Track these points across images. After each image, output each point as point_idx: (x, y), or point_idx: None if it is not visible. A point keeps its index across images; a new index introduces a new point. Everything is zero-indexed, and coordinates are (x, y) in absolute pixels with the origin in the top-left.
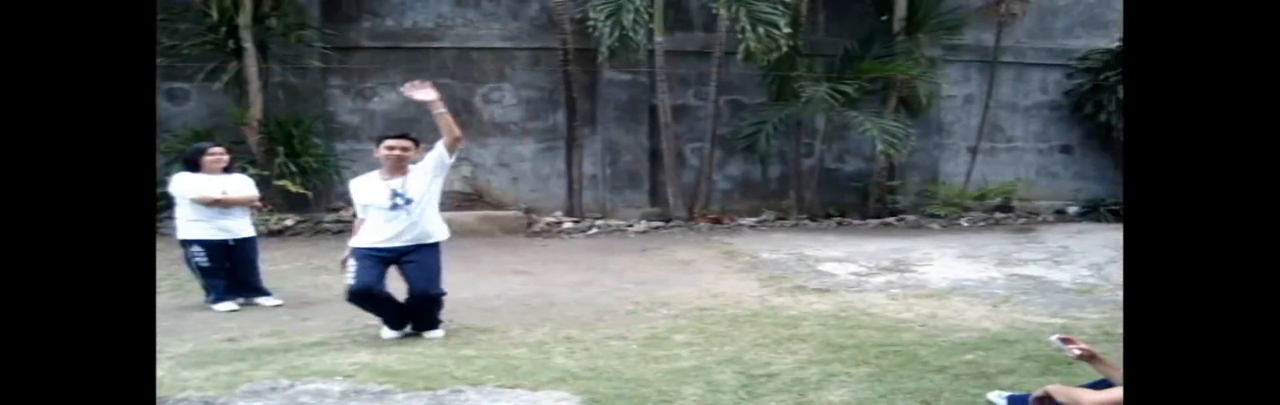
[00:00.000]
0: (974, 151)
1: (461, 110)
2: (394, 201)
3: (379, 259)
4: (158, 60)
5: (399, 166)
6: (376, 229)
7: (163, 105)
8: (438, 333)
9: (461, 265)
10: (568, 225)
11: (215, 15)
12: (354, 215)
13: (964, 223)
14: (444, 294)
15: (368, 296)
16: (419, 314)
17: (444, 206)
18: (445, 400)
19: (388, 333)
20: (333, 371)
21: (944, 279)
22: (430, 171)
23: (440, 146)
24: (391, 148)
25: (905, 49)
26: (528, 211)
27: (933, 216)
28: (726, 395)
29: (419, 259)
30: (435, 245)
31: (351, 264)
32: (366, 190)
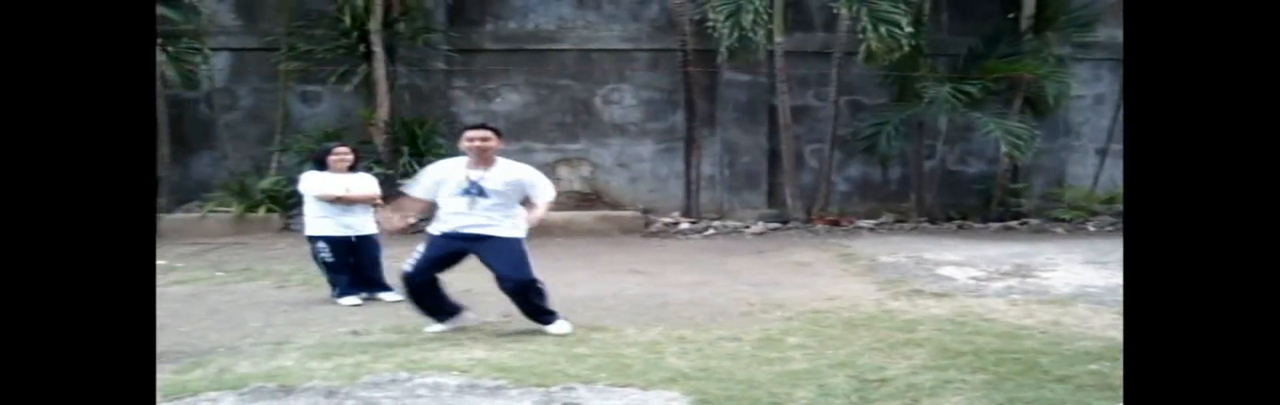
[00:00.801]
0: (1103, 153)
1: (582, 111)
2: (467, 189)
3: (446, 251)
4: (293, 65)
5: (483, 157)
6: (444, 215)
7: (297, 107)
8: (562, 327)
9: (578, 264)
10: (685, 226)
11: (348, 21)
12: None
13: (1090, 227)
14: (534, 280)
15: (414, 284)
16: (521, 304)
17: (562, 206)
18: (557, 397)
19: (433, 327)
20: (449, 366)
21: (1068, 285)
22: (518, 189)
23: (544, 198)
24: (470, 139)
25: (1033, 47)
26: (645, 212)
27: (1057, 220)
28: (838, 399)
29: (494, 248)
30: (510, 238)
31: (418, 250)
32: (445, 173)
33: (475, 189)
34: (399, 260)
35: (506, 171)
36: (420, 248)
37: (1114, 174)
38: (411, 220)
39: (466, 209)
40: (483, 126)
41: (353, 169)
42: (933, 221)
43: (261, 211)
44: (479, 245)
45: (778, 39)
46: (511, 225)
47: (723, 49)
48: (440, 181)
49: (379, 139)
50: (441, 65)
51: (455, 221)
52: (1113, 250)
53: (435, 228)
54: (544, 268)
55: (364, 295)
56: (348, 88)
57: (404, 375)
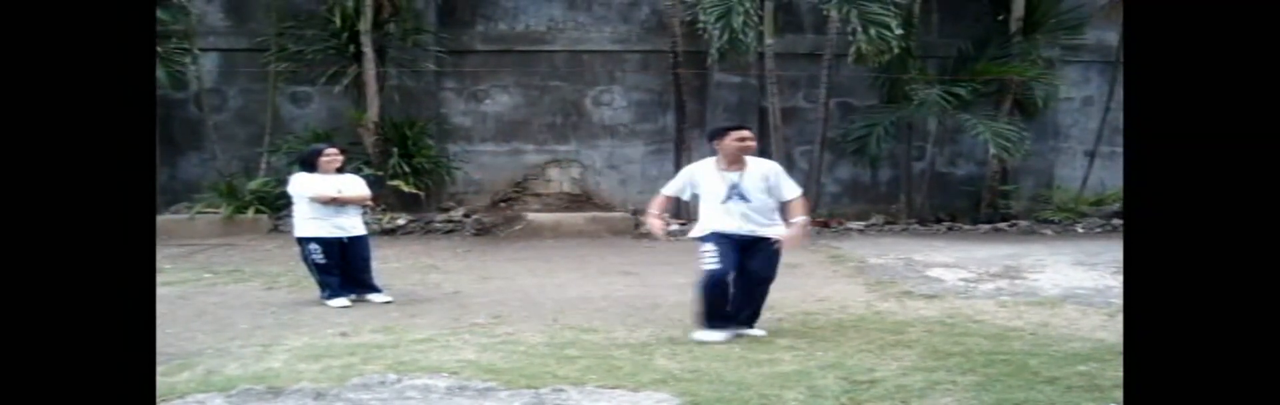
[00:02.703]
0: (1092, 155)
1: (572, 112)
2: (728, 194)
3: (732, 244)
4: (283, 65)
5: (737, 159)
6: (716, 217)
7: (286, 108)
8: (760, 331)
9: (569, 265)
10: (675, 227)
11: (338, 22)
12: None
13: (1079, 229)
14: (772, 279)
15: (720, 282)
16: (749, 300)
17: (552, 207)
18: (546, 399)
19: (708, 335)
20: (439, 368)
21: (1057, 286)
22: (770, 189)
23: (786, 194)
24: (741, 139)
25: (1022, 50)
26: (635, 213)
27: (1046, 222)
28: (828, 401)
29: (762, 248)
30: (776, 239)
31: (709, 247)
32: (700, 175)
33: (736, 193)
34: (387, 261)
35: (757, 170)
36: (711, 246)
37: (1103, 176)
38: (668, 223)
39: (736, 214)
40: (743, 127)
41: (340, 170)
42: (922, 223)
43: (250, 213)
44: (755, 244)
45: (768, 41)
46: (777, 225)
47: (713, 51)
48: (694, 183)
49: (369, 140)
50: (432, 66)
51: (729, 224)
52: (1101, 252)
53: (705, 228)
54: (534, 269)
55: (353, 297)
56: (337, 89)
57: (393, 377)
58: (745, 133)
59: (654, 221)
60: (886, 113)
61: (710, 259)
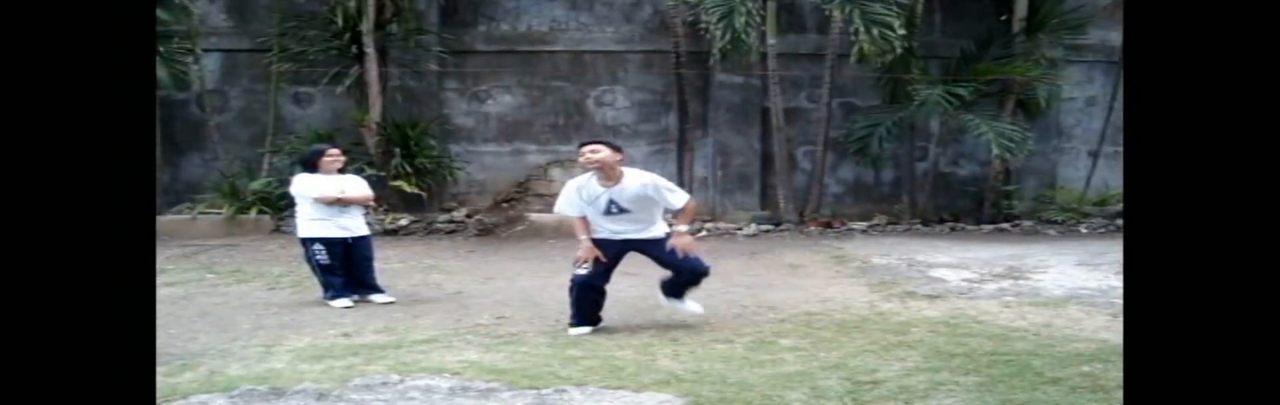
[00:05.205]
0: (1095, 155)
1: (574, 113)
2: (607, 207)
3: (609, 254)
4: (285, 66)
5: (606, 173)
6: (598, 225)
7: (289, 108)
8: (698, 308)
9: (571, 266)
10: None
11: (340, 22)
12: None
13: (1082, 229)
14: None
15: (590, 289)
16: (685, 285)
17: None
18: (549, 399)
19: (578, 330)
20: (441, 368)
21: (1060, 287)
22: (654, 201)
23: (673, 203)
24: (580, 154)
25: (1025, 50)
26: None
27: (1050, 222)
28: (831, 401)
29: (659, 246)
30: (665, 237)
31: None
32: (582, 189)
33: (614, 207)
34: (390, 262)
35: (633, 183)
36: (581, 253)
37: (1106, 176)
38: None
39: (617, 225)
40: (593, 141)
41: (341, 171)
42: (925, 223)
43: (253, 213)
44: (648, 247)
45: (770, 41)
46: (660, 227)
47: (715, 51)
48: (582, 197)
49: (371, 140)
50: (434, 67)
51: (612, 231)
52: (1105, 252)
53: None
54: (537, 269)
55: (356, 297)
56: (340, 89)
57: (395, 378)
58: (584, 148)
59: (587, 248)
60: (889, 113)
61: (581, 268)
